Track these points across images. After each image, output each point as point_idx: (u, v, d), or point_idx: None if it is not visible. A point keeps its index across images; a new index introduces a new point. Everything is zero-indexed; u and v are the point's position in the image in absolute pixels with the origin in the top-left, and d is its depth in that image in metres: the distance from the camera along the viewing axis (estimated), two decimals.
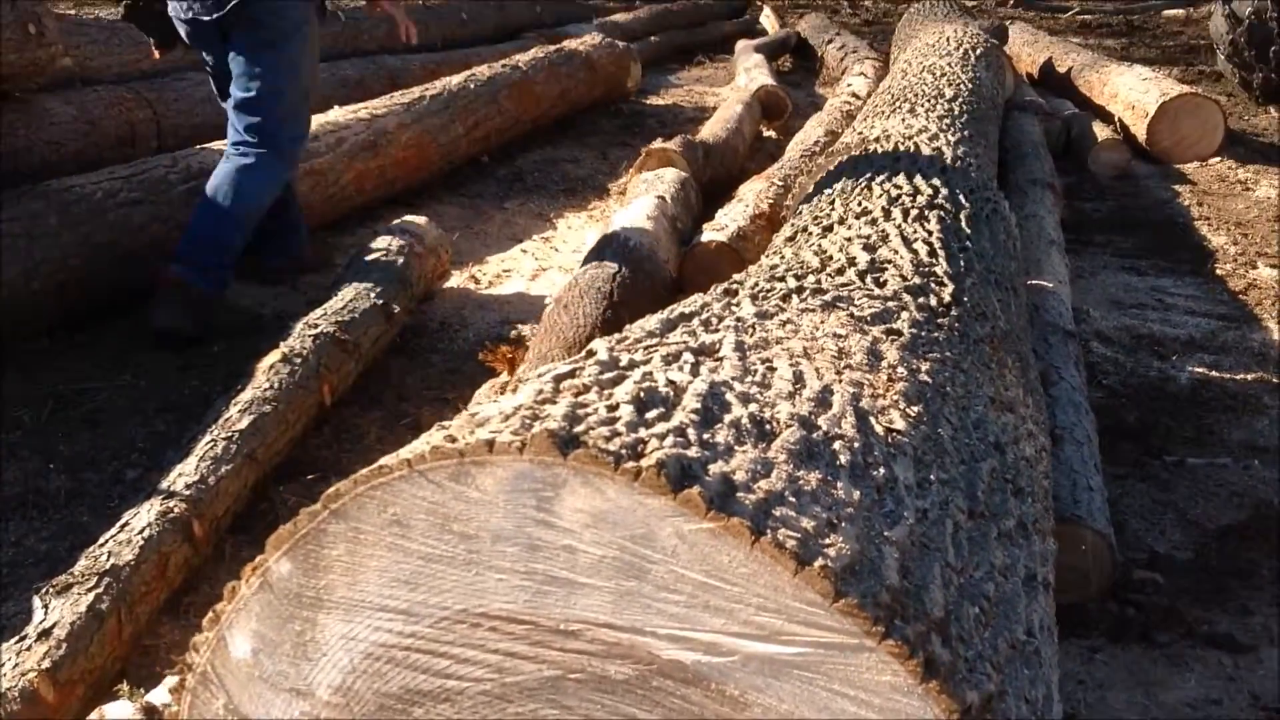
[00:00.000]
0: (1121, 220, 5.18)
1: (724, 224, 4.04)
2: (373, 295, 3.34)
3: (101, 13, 5.15)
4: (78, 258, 3.32)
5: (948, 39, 6.58)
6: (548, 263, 4.38)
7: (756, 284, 1.96)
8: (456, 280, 4.15)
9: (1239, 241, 4.82)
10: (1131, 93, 6.60)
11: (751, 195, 4.34)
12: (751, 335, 1.53)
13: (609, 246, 3.54)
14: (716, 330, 1.56)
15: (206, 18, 3.49)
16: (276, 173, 3.67)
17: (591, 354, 1.42)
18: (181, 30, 3.65)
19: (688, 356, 1.37)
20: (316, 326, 3.08)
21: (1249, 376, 3.47)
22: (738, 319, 1.62)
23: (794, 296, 1.84)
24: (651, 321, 1.63)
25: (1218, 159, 6.21)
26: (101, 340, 3.40)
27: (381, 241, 3.74)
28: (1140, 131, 6.29)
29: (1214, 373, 3.50)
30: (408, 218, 3.98)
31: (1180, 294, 4.22)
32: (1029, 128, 5.93)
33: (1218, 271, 4.46)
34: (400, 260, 3.62)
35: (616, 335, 1.57)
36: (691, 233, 4.16)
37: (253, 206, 3.61)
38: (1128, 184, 5.82)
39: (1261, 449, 3.00)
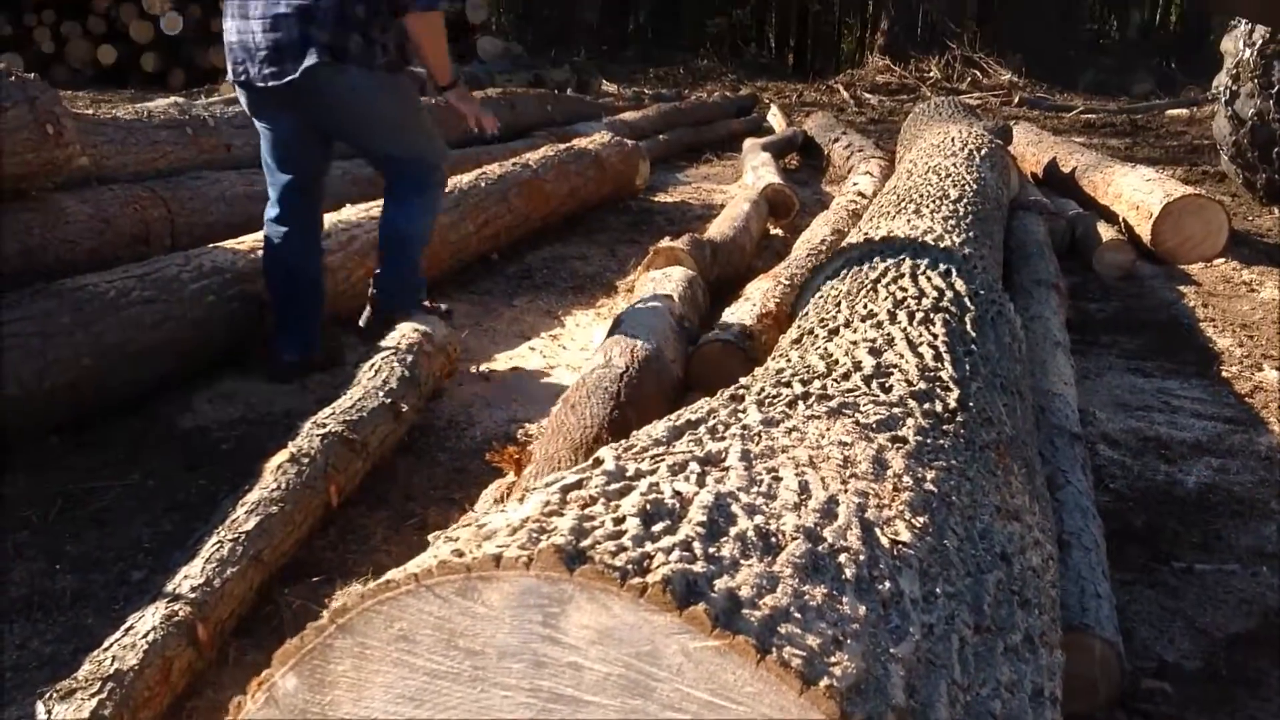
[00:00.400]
0: (1127, 321, 5.20)
1: (731, 323, 4.06)
2: (381, 394, 3.36)
3: (119, 111, 5.22)
4: (90, 356, 3.35)
5: (952, 139, 6.67)
6: (556, 361, 4.41)
7: (763, 389, 1.97)
8: (465, 378, 4.17)
9: (1244, 344, 4.83)
10: (1135, 193, 6.66)
11: (758, 294, 4.36)
12: (757, 444, 1.54)
13: (616, 346, 3.55)
14: (723, 438, 1.57)
15: (272, 84, 3.67)
16: (425, 198, 4.06)
17: (599, 463, 1.43)
18: (241, 97, 3.86)
19: (694, 466, 1.38)
20: (325, 426, 3.09)
21: (1256, 481, 3.46)
22: (744, 426, 1.63)
23: (800, 403, 1.85)
24: (658, 429, 1.64)
25: (1222, 260, 6.24)
26: (111, 439, 3.42)
27: (391, 339, 3.77)
28: (1145, 232, 6.34)
29: (1221, 477, 3.49)
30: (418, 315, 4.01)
31: (1186, 396, 4.22)
32: (1034, 228, 5.98)
33: (1223, 374, 4.47)
34: (409, 358, 3.64)
35: (624, 443, 1.58)
36: (699, 331, 4.18)
37: (421, 228, 4.10)
38: (1133, 284, 5.85)
39: (1269, 555, 2.98)
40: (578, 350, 4.51)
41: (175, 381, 3.77)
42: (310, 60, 3.62)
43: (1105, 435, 3.80)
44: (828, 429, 1.70)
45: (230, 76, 3.80)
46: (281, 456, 2.91)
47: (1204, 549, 3.04)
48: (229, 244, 4.18)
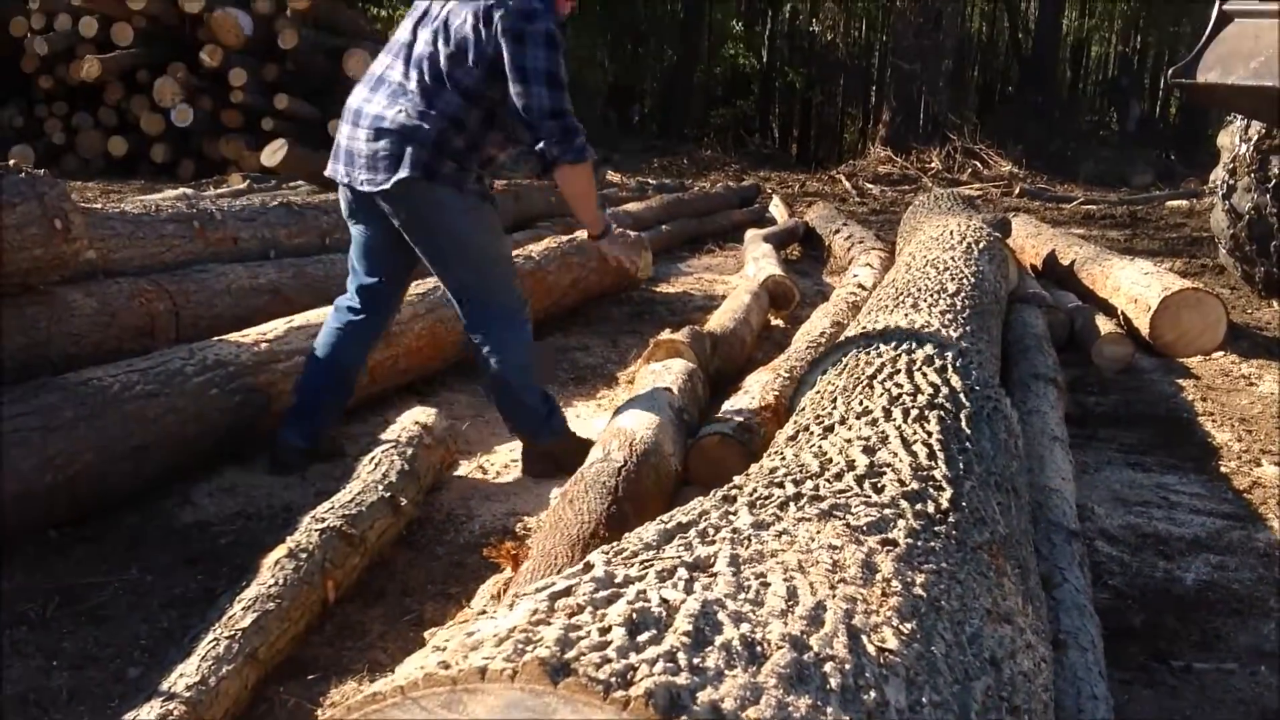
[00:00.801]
0: (1126, 415, 5.22)
1: (729, 416, 4.08)
2: (380, 488, 3.37)
3: (127, 205, 5.30)
4: (91, 450, 3.36)
5: (951, 232, 6.73)
6: None
7: (755, 490, 1.99)
8: (465, 470, 4.19)
9: (1243, 438, 4.85)
10: (1134, 286, 6.71)
11: (758, 387, 4.39)
12: (747, 548, 1.56)
13: (615, 439, 3.58)
14: (713, 542, 1.58)
15: (367, 189, 3.76)
16: (510, 341, 3.97)
17: (589, 567, 1.44)
18: (341, 197, 3.98)
19: (682, 572, 1.39)
20: (323, 521, 3.10)
21: (1255, 578, 3.45)
22: (734, 530, 1.65)
23: (791, 504, 1.87)
24: (649, 531, 1.65)
25: (1221, 353, 6.28)
26: (110, 533, 3.43)
27: (391, 433, 3.80)
28: (1143, 325, 6.38)
29: (1220, 574, 3.48)
30: (418, 408, 4.04)
31: (1185, 491, 4.23)
32: (1033, 321, 6.02)
33: (1222, 469, 4.48)
34: (409, 451, 3.66)
35: (615, 546, 1.60)
36: (698, 424, 4.20)
37: (518, 366, 3.99)
38: (1131, 378, 5.88)
39: (1268, 654, 2.97)
40: None
41: (176, 475, 3.79)
42: (403, 173, 3.68)
43: (1104, 531, 3.80)
44: (818, 532, 1.72)
45: (334, 175, 3.89)
46: (279, 552, 2.92)
47: (1203, 647, 3.03)
48: (233, 337, 4.22)
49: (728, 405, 4.28)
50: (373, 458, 3.61)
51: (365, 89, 3.88)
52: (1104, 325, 6.29)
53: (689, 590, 1.32)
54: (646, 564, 1.42)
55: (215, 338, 4.23)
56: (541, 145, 3.70)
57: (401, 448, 3.67)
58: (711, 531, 1.65)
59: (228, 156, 12.97)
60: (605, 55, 25.79)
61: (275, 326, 4.41)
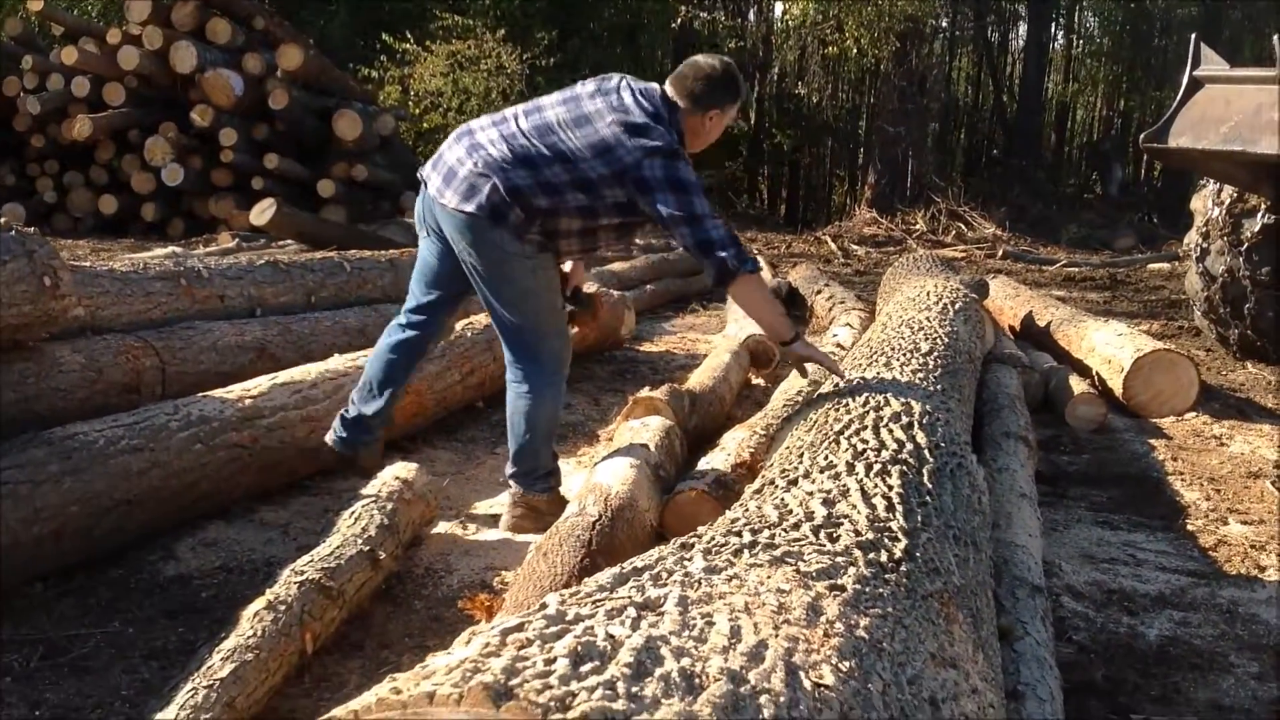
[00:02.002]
0: (1097, 474, 5.31)
1: (705, 472, 4.16)
2: (360, 542, 3.44)
3: (116, 263, 5.39)
4: (77, 505, 3.43)
5: (928, 293, 6.84)
6: None
7: (713, 538, 2.07)
8: (445, 525, 4.25)
9: (1211, 498, 4.93)
10: (1108, 347, 6.82)
11: (733, 444, 4.47)
12: (696, 590, 1.64)
13: (591, 494, 3.65)
14: (664, 585, 1.66)
15: (440, 201, 3.94)
16: (546, 392, 4.16)
17: (544, 607, 1.52)
18: (419, 201, 4.14)
19: (631, 611, 1.47)
20: (303, 574, 3.16)
21: (1216, 634, 3.53)
22: (686, 574, 1.73)
23: (745, 552, 1.95)
24: (605, 575, 1.73)
25: (1193, 414, 6.38)
26: (93, 586, 3.49)
27: (372, 488, 3.87)
28: (1116, 386, 6.48)
29: (1182, 630, 3.56)
30: (399, 464, 4.11)
31: (1152, 549, 4.30)
32: (1007, 380, 6.11)
33: (1189, 527, 4.56)
34: (389, 506, 3.73)
35: (571, 589, 1.68)
36: (675, 480, 4.28)
37: (547, 417, 4.21)
38: (1104, 438, 5.97)
39: (1227, 708, 3.04)
40: None
41: (159, 529, 3.85)
42: (472, 207, 3.84)
43: (1070, 587, 3.87)
44: (768, 577, 1.80)
45: (426, 180, 4.05)
46: (258, 604, 2.98)
47: (1163, 702, 3.09)
48: (217, 393, 4.29)
49: (704, 462, 4.36)
50: (353, 512, 3.67)
51: (490, 123, 4.01)
52: (1078, 385, 6.39)
53: (635, 627, 1.40)
54: (598, 603, 1.50)
55: (200, 394, 4.30)
56: (707, 274, 3.91)
57: (381, 502, 3.74)
58: (664, 575, 1.73)
59: (217, 215, 13.12)
60: None
61: (260, 383, 4.48)
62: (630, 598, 1.54)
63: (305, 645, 3.00)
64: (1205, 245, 8.30)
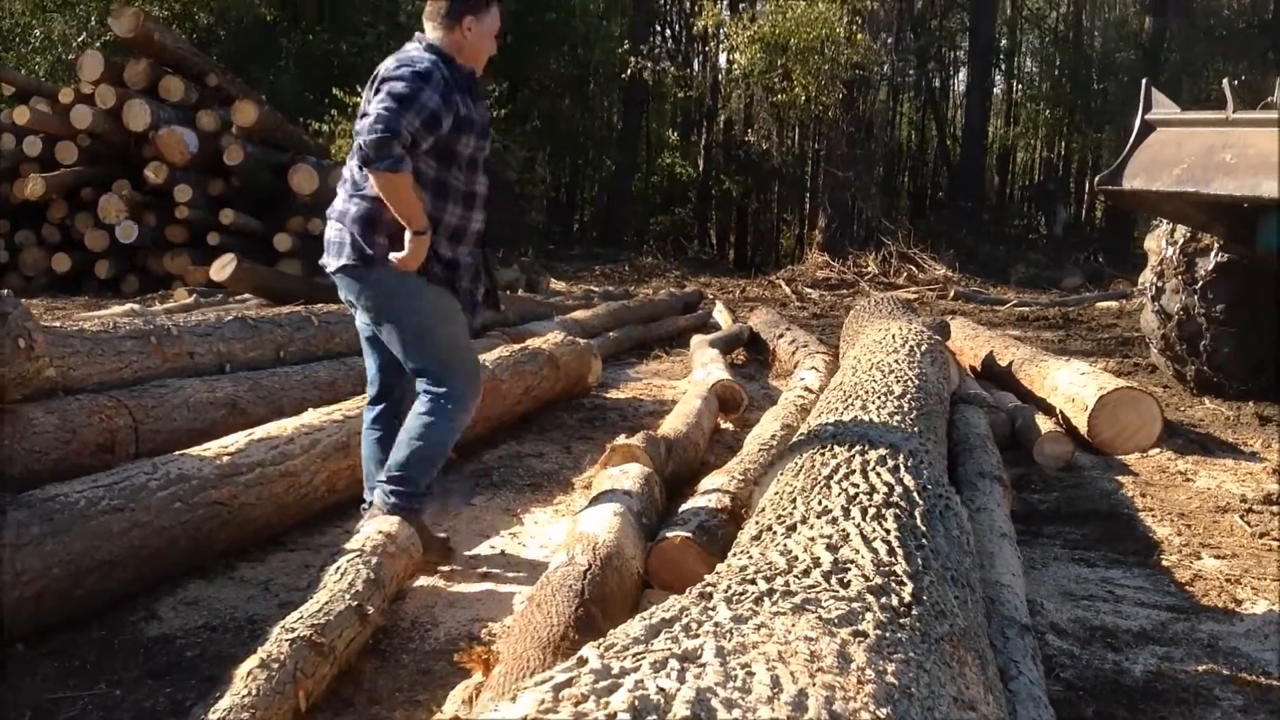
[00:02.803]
0: (1069, 511, 5.36)
1: (687, 519, 4.16)
2: (347, 597, 3.41)
3: (87, 323, 5.34)
4: (59, 566, 3.38)
5: (893, 335, 6.91)
6: (517, 559, 4.47)
7: (729, 587, 2.08)
8: (426, 578, 4.22)
9: (1182, 533, 4.99)
10: (1071, 386, 6.91)
11: (714, 489, 4.47)
12: (729, 640, 1.64)
13: (578, 544, 3.65)
14: (697, 636, 1.67)
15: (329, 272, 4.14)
16: (444, 418, 4.21)
17: (584, 661, 1.52)
18: None
19: (673, 663, 1.48)
20: (293, 631, 3.13)
21: (1200, 668, 3.56)
22: (716, 624, 1.74)
23: (765, 599, 1.96)
24: (635, 627, 1.74)
25: (1157, 450, 6.46)
26: (76, 647, 3.43)
27: (355, 542, 3.84)
28: (1081, 424, 6.56)
29: (1166, 664, 3.59)
30: (381, 517, 4.09)
31: (1130, 585, 4.35)
32: (975, 421, 6.18)
33: (1164, 563, 4.61)
34: (374, 560, 3.71)
35: (604, 641, 1.68)
36: (656, 527, 4.28)
37: (430, 443, 4.23)
38: (1072, 475, 6.04)
39: None
40: (538, 548, 4.59)
41: (140, 589, 3.81)
42: (343, 259, 4.03)
43: (1053, 625, 3.90)
44: (793, 624, 1.81)
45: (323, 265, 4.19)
46: (252, 662, 2.94)
47: None
48: (195, 451, 4.25)
49: (685, 508, 4.35)
50: (338, 567, 3.64)
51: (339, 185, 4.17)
52: (1044, 424, 6.45)
53: (682, 679, 1.41)
54: (638, 656, 1.50)
55: (177, 452, 4.26)
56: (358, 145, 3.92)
57: (366, 556, 3.71)
58: (694, 626, 1.73)
59: (173, 272, 13.02)
60: (545, 167, 26.23)
61: (236, 440, 4.45)
62: (669, 649, 1.55)
63: (300, 703, 2.97)
64: (1160, 284, 8.46)
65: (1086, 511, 5.37)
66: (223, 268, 8.97)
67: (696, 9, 26.08)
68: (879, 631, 1.91)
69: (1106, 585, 4.35)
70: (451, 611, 3.92)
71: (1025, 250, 26.13)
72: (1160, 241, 8.48)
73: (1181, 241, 8.28)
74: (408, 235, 3.98)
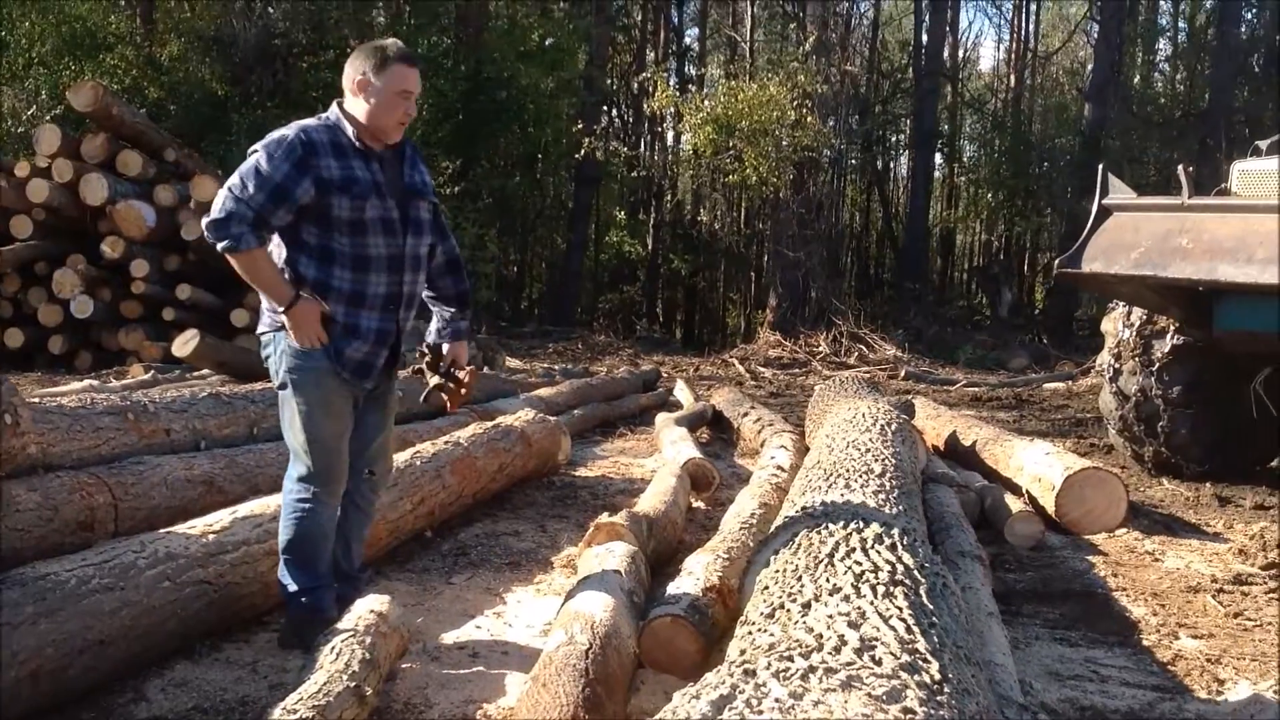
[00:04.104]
0: (1045, 591, 5.40)
1: (678, 598, 4.16)
2: (345, 678, 3.38)
3: (65, 400, 5.29)
4: (51, 646, 3.33)
5: (863, 414, 6.99)
6: (504, 639, 4.44)
7: (769, 664, 2.09)
8: (414, 659, 4.19)
9: (1158, 613, 5.05)
10: (1037, 466, 6.99)
11: (700, 568, 4.48)
12: (794, 716, 1.66)
13: (576, 623, 3.64)
14: (761, 712, 1.69)
15: None
16: (295, 512, 4.15)
17: None
18: None
19: None
20: (295, 712, 3.10)
21: None
22: (776, 699, 1.76)
23: (811, 676, 1.98)
24: (698, 706, 1.75)
25: (1124, 530, 6.55)
26: None
27: (348, 622, 3.81)
28: (1049, 504, 6.63)
29: None
30: (371, 596, 4.06)
31: (1113, 665, 4.39)
32: (948, 500, 6.24)
33: (1144, 642, 4.66)
34: (368, 639, 3.68)
35: (670, 715, 1.69)
36: (645, 606, 4.28)
37: (290, 538, 4.14)
38: (1044, 555, 6.10)
39: None
40: (523, 628, 4.56)
41: (130, 669, 3.75)
42: (259, 327, 4.20)
43: (1044, 705, 3.92)
44: (845, 701, 1.83)
45: None
46: None
47: None
48: (181, 529, 4.22)
49: (673, 587, 4.35)
50: (333, 647, 3.61)
51: None
52: (1013, 504, 6.52)
53: None
54: None
55: (163, 530, 4.22)
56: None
57: (360, 636, 3.68)
58: (755, 702, 1.75)
59: (127, 347, 12.89)
60: (496, 244, 26.36)
61: (221, 518, 4.42)
62: None
63: None
64: (1118, 365, 8.61)
65: (1062, 591, 5.43)
66: (185, 343, 8.92)
67: (650, 91, 26.46)
68: (925, 709, 1.93)
69: (1090, 665, 4.39)
70: (444, 693, 3.88)
71: (971, 331, 26.49)
72: (1117, 324, 8.65)
73: (1138, 324, 8.45)
74: (280, 312, 4.01)
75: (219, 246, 3.90)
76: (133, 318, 13.05)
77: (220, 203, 3.89)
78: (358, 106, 4.07)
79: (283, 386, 4.11)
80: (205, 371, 10.40)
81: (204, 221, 3.94)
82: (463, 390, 4.42)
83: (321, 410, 4.09)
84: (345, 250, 4.03)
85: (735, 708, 1.72)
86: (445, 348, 4.40)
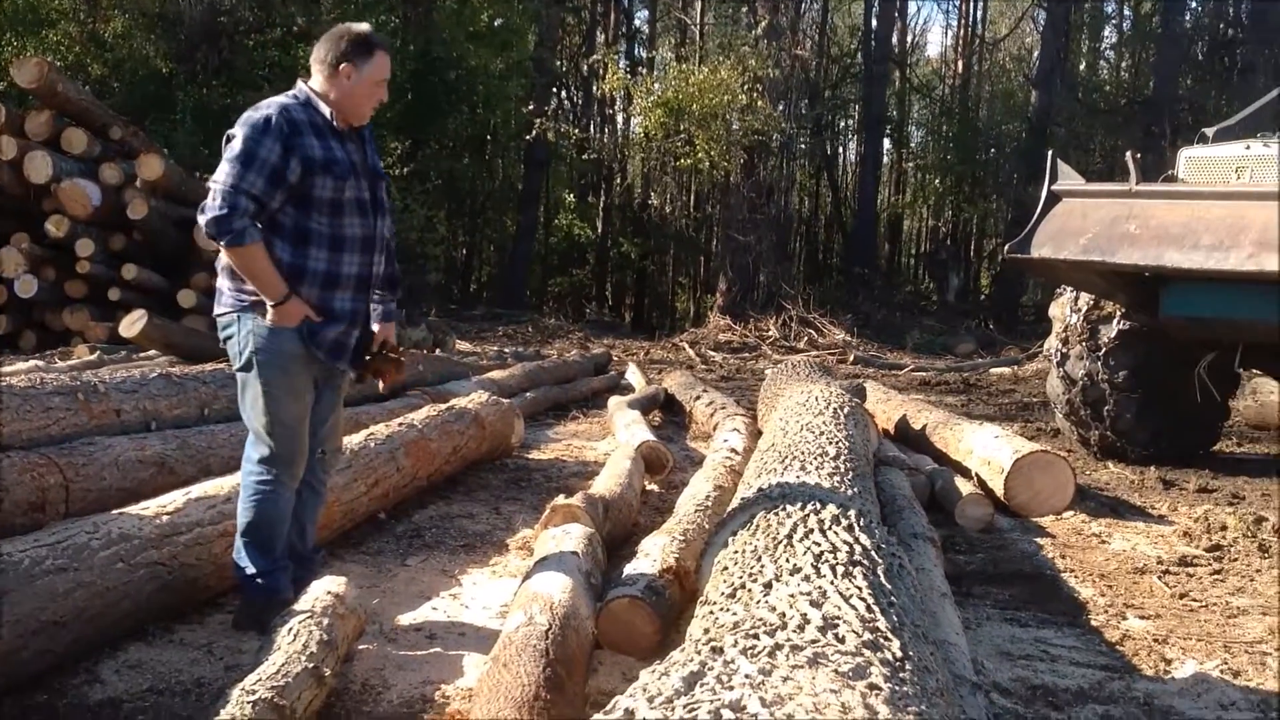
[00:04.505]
0: (995, 573, 5.47)
1: (635, 579, 4.18)
2: (304, 659, 3.37)
3: (14, 380, 5.22)
4: (6, 627, 3.29)
5: (816, 398, 7.03)
6: (460, 620, 4.44)
7: (736, 642, 2.11)
8: (370, 641, 4.18)
9: (1105, 594, 5.13)
10: (986, 450, 7.07)
11: (656, 550, 4.50)
12: (766, 692, 1.68)
13: (535, 604, 3.65)
14: (732, 688, 1.70)
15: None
16: (254, 494, 4.14)
17: (631, 714, 1.55)
18: None
19: (727, 713, 1.51)
20: (254, 693, 3.09)
21: None
22: (746, 676, 1.77)
23: (778, 653, 2.00)
24: (659, 681, 1.76)
25: (1071, 513, 6.64)
26: (20, 714, 3.34)
27: (305, 603, 3.80)
28: (998, 487, 6.71)
29: None
30: (327, 578, 4.04)
31: (1063, 645, 4.45)
32: (899, 483, 6.30)
33: (1092, 623, 4.73)
34: (325, 621, 3.67)
35: (640, 694, 1.70)
36: (602, 588, 4.29)
37: (249, 520, 4.13)
38: (994, 537, 6.17)
39: None
40: (480, 609, 4.56)
41: (83, 651, 3.72)
42: (218, 308, 4.15)
43: (996, 684, 3.98)
44: (813, 678, 1.85)
45: None
46: None
47: None
48: (134, 510, 4.18)
49: (629, 569, 4.37)
50: (291, 628, 3.60)
51: None
52: (963, 486, 6.59)
53: None
54: (690, 708, 1.54)
55: (116, 511, 4.18)
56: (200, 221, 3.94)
57: (318, 618, 3.67)
58: (726, 678, 1.77)
59: (72, 328, 12.70)
60: (444, 226, 26.23)
61: (174, 499, 4.38)
62: (720, 699, 1.58)
63: None
64: (1065, 350, 8.72)
65: (1012, 573, 5.50)
66: (132, 324, 8.82)
67: (600, 73, 26.40)
68: (889, 685, 1.96)
69: (1041, 645, 4.45)
70: (401, 674, 3.88)
71: (919, 316, 26.69)
72: (1065, 309, 8.75)
73: (1085, 309, 8.55)
74: (268, 305, 3.98)
75: (223, 242, 3.87)
76: (78, 297, 12.86)
77: (218, 197, 3.84)
78: (336, 88, 4.06)
79: (246, 368, 4.06)
80: (152, 352, 10.28)
81: (203, 218, 3.87)
82: (395, 371, 4.43)
83: (286, 393, 4.08)
84: (324, 231, 4.04)
85: (706, 683, 1.73)
86: (376, 328, 4.39)
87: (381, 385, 4.53)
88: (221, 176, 3.85)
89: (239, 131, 3.90)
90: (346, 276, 4.11)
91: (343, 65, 4.04)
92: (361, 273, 4.16)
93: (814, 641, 2.17)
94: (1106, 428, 8.58)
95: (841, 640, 2.24)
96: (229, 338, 4.10)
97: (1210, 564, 5.63)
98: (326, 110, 4.05)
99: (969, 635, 4.44)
